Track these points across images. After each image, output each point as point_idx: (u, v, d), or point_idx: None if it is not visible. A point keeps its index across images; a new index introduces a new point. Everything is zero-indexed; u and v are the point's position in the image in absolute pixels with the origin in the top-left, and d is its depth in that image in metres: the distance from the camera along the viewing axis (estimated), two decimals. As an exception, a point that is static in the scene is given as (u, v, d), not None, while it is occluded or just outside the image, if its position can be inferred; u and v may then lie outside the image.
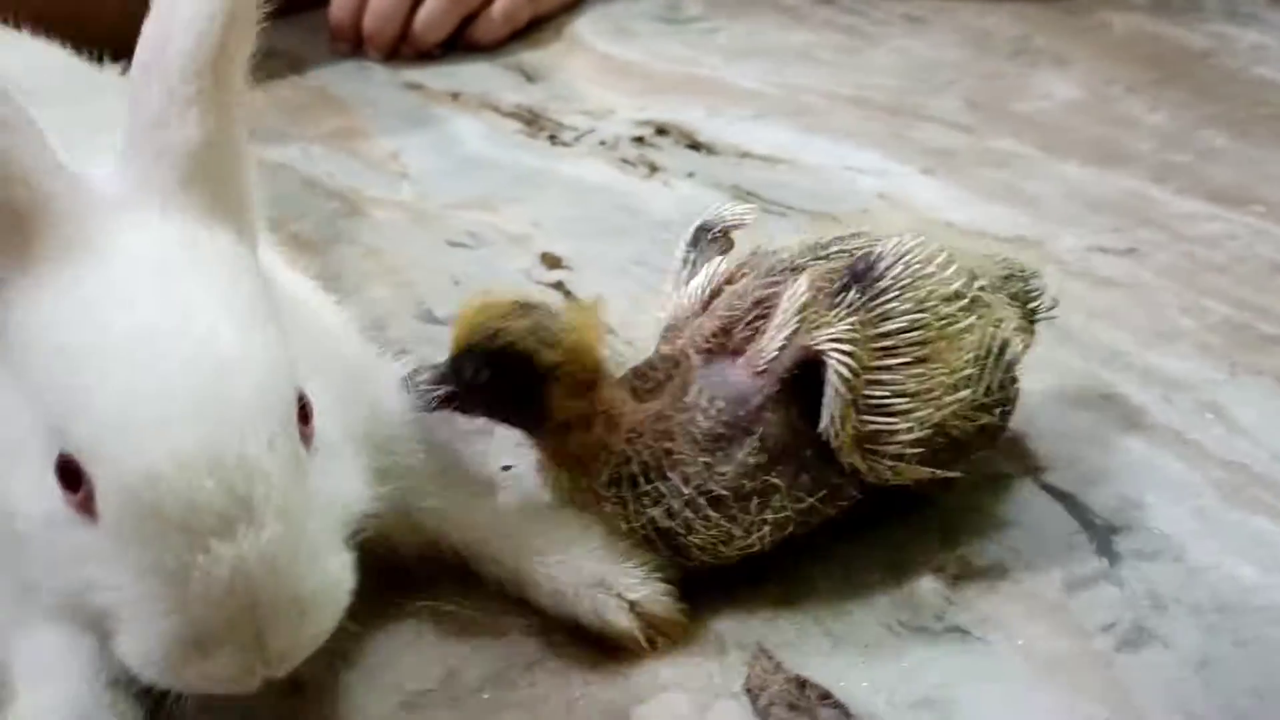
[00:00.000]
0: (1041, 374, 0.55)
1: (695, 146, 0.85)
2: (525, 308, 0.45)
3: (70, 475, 0.37)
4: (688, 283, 0.50)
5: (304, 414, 0.39)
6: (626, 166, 0.83)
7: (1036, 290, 0.51)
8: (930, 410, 0.45)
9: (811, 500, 0.45)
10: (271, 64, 0.98)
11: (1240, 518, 0.50)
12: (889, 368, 0.44)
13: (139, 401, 0.36)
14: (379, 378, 0.50)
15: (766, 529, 0.45)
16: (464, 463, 0.52)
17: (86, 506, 0.36)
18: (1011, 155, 0.82)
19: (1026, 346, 0.51)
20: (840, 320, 0.44)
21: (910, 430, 0.44)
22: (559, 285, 0.69)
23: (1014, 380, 0.49)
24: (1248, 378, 0.59)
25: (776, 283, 0.47)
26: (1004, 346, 0.48)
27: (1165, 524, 0.50)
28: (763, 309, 0.46)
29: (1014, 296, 0.50)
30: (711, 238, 0.51)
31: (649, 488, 0.45)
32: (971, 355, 0.46)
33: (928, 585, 0.47)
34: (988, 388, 0.47)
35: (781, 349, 0.45)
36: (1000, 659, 0.45)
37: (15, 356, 0.38)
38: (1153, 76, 0.93)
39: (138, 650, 0.37)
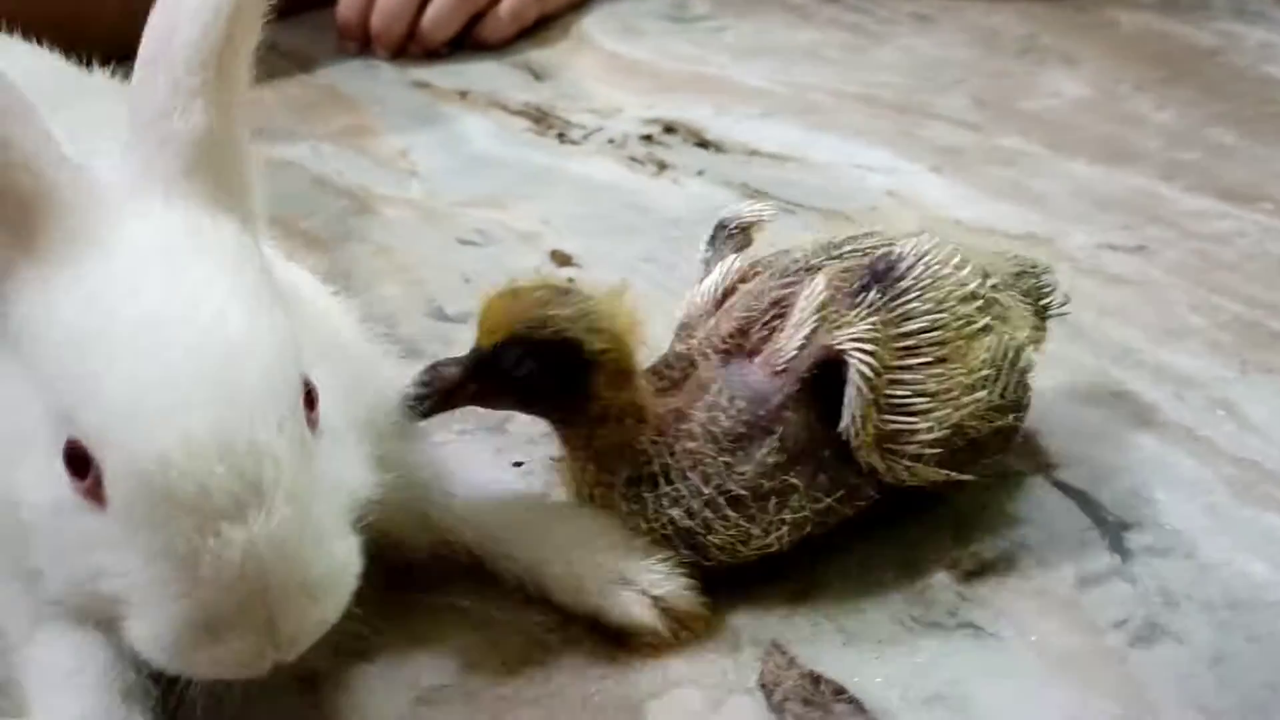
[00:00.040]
0: (1053, 371, 0.55)
1: (704, 144, 0.85)
2: (563, 293, 0.44)
3: (78, 462, 0.37)
4: (701, 280, 0.50)
5: (309, 399, 0.39)
6: (635, 164, 0.83)
7: (1049, 287, 0.52)
8: (949, 410, 0.45)
9: (829, 500, 0.45)
10: (279, 62, 1.00)
11: (1252, 514, 0.51)
12: (910, 367, 0.45)
13: (148, 386, 0.36)
14: (379, 367, 0.50)
15: (785, 529, 0.45)
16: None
17: (94, 493, 0.36)
18: (1019, 153, 0.82)
19: (1039, 343, 0.51)
20: (861, 320, 0.45)
21: (930, 430, 0.45)
22: (569, 283, 0.69)
23: (1027, 387, 0.49)
24: (1258, 375, 0.59)
25: (793, 283, 0.47)
26: (1019, 351, 0.48)
27: (1177, 521, 0.50)
28: (780, 309, 0.46)
29: (1026, 293, 0.50)
30: (728, 234, 0.51)
31: (669, 488, 0.45)
32: (988, 356, 0.46)
33: (941, 581, 0.48)
34: (1003, 390, 0.47)
35: (801, 348, 0.45)
36: (1013, 655, 0.45)
37: (22, 345, 0.39)
38: (1160, 74, 0.94)
39: (147, 635, 0.37)
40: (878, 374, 0.44)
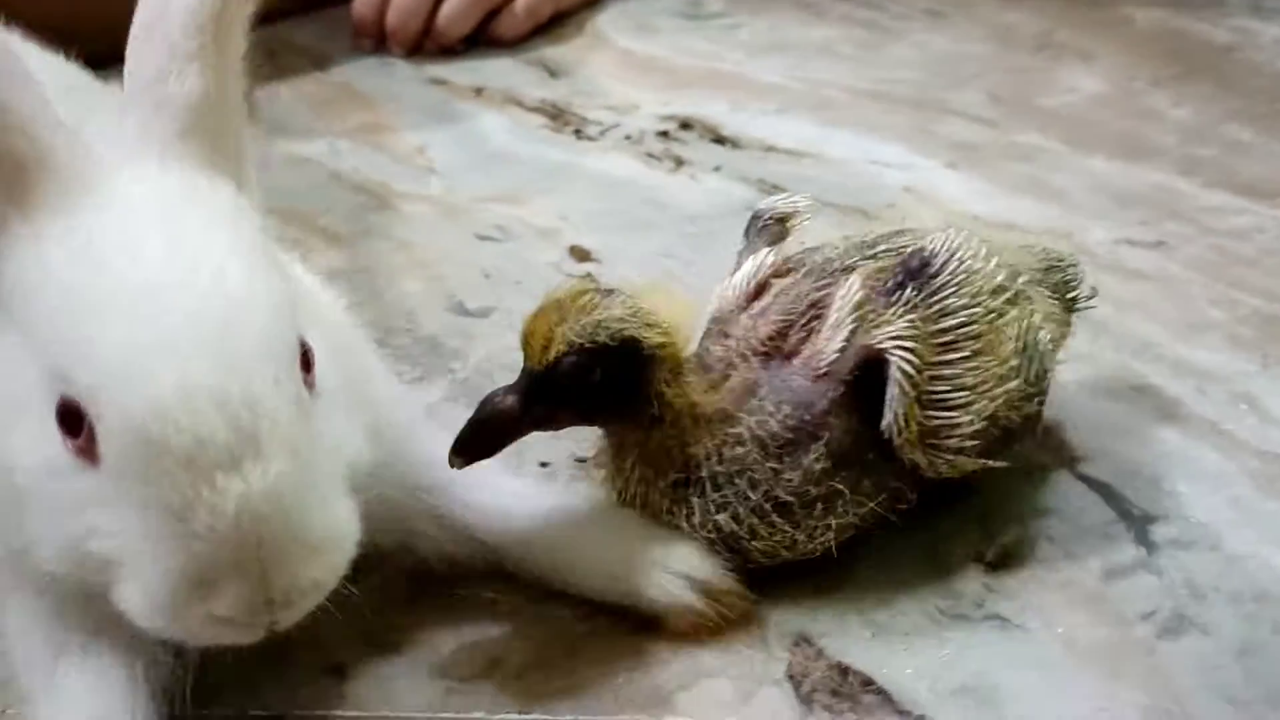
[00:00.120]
0: (1076, 365, 0.55)
1: (720, 141, 0.85)
2: (606, 294, 0.43)
3: (71, 419, 0.36)
4: (733, 273, 0.50)
5: (306, 361, 0.39)
6: (652, 160, 0.83)
7: (1075, 280, 0.52)
8: (986, 401, 0.45)
9: (872, 504, 0.46)
10: (295, 59, 1.00)
11: (1276, 507, 0.51)
12: (949, 362, 0.45)
13: (143, 339, 0.35)
14: (373, 365, 0.50)
15: (829, 534, 0.45)
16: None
17: (88, 451, 0.36)
18: (1037, 149, 0.82)
19: (1064, 336, 0.51)
20: (899, 318, 0.45)
21: (970, 423, 0.45)
22: (589, 278, 0.69)
23: (1047, 370, 0.49)
24: (1280, 369, 0.59)
25: (829, 284, 0.47)
26: (1037, 333, 0.48)
27: (1201, 514, 0.50)
28: (817, 310, 0.46)
29: (1054, 288, 0.51)
30: (763, 225, 0.50)
31: (716, 494, 0.45)
32: (1014, 346, 0.46)
33: (967, 574, 0.48)
34: (1028, 377, 0.47)
35: (841, 350, 0.45)
36: (1041, 646, 0.45)
37: (16, 305, 0.38)
38: (1176, 71, 0.94)
39: (139, 595, 0.36)
40: (918, 371, 0.44)
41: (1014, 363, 0.46)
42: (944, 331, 0.45)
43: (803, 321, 0.46)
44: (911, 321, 0.45)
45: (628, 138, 0.86)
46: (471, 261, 0.71)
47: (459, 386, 0.60)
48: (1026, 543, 0.49)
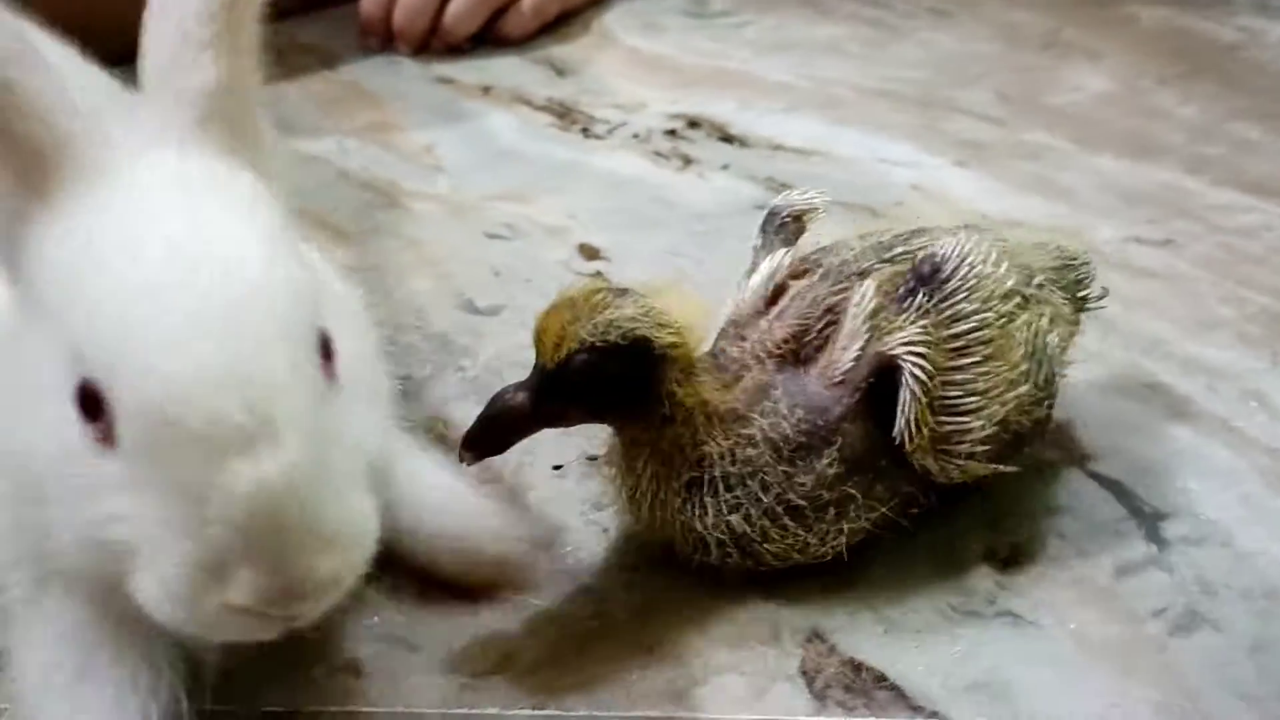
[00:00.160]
0: (1085, 363, 0.55)
1: (728, 139, 0.86)
2: (620, 293, 0.43)
3: (90, 403, 0.36)
4: (749, 274, 0.50)
5: (326, 350, 0.39)
6: (660, 159, 0.83)
7: (1087, 279, 0.52)
8: (997, 406, 0.45)
9: (884, 509, 0.46)
10: (302, 58, 1.00)
11: (1287, 505, 0.51)
12: (961, 368, 0.45)
13: (162, 318, 0.35)
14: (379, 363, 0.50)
15: (841, 538, 0.45)
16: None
17: (106, 436, 0.36)
18: (1045, 147, 0.83)
19: (1074, 335, 0.51)
20: (911, 323, 0.45)
21: (981, 428, 0.45)
22: (598, 276, 0.69)
23: (1056, 373, 0.49)
24: (1290, 367, 0.59)
25: (845, 288, 0.47)
26: (1045, 336, 0.48)
27: (1212, 511, 0.50)
28: (833, 315, 0.46)
29: (1065, 287, 0.51)
30: (780, 223, 0.50)
31: (728, 495, 0.45)
32: (1024, 350, 0.47)
33: (979, 571, 0.48)
34: (1037, 381, 0.47)
35: (856, 359, 0.45)
36: (1053, 643, 0.45)
37: (35, 290, 0.38)
38: (1182, 69, 0.94)
39: (155, 584, 0.36)
40: (931, 377, 0.44)
41: (1024, 367, 0.46)
42: (956, 337, 0.45)
43: (818, 327, 0.46)
44: (924, 327, 0.45)
45: (635, 136, 0.86)
46: (480, 259, 0.71)
47: (469, 384, 0.60)
48: (1037, 540, 0.49)
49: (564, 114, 0.90)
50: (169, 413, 0.34)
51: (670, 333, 0.43)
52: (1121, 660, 0.44)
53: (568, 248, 0.72)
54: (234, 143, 0.41)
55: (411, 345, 0.63)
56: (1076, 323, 0.52)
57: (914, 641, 0.45)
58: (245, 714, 0.43)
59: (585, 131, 0.88)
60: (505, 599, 0.47)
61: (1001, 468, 0.46)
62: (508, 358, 0.62)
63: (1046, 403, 0.49)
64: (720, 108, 0.90)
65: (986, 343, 0.45)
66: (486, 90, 0.95)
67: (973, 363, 0.45)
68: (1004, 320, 0.46)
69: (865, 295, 0.46)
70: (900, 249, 0.48)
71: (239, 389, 0.35)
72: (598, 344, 0.42)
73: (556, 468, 0.54)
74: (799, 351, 0.47)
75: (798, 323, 0.47)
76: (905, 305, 0.45)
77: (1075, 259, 0.52)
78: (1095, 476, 0.52)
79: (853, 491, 0.45)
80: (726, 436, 0.45)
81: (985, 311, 0.45)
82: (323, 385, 0.38)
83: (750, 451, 0.45)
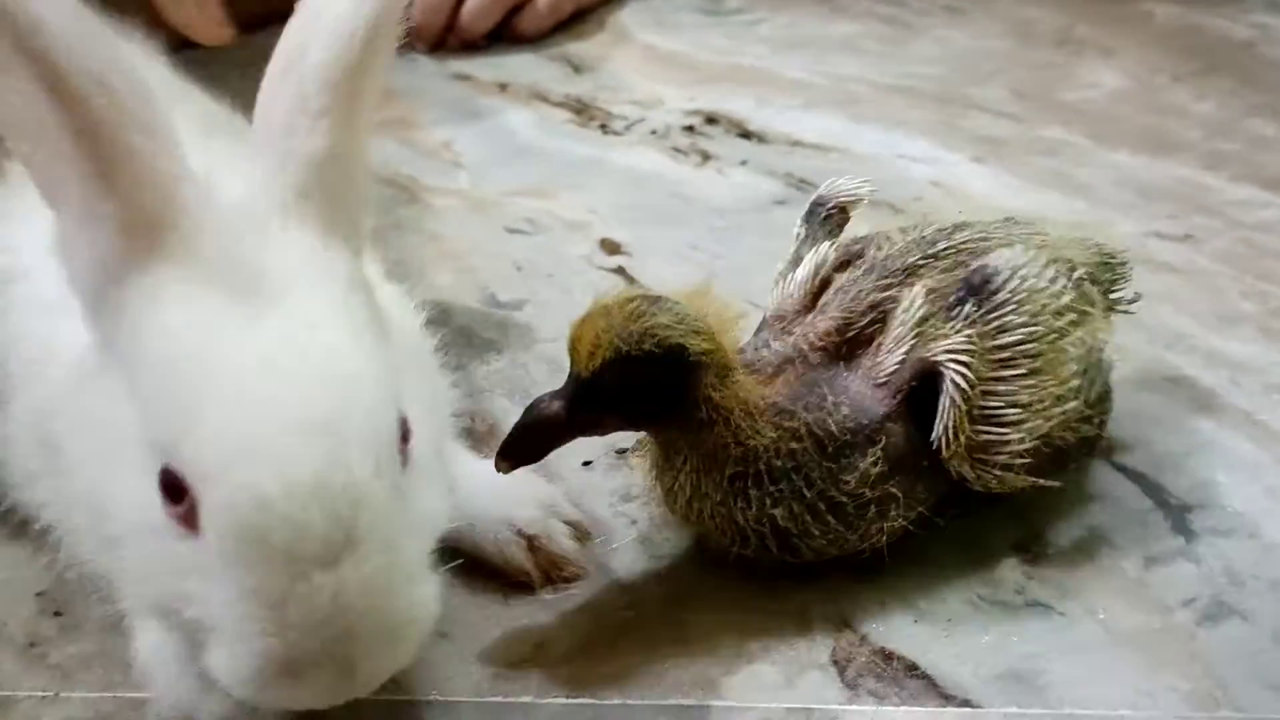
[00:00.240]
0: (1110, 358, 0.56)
1: (746, 135, 0.86)
2: (653, 301, 0.43)
3: (173, 488, 0.36)
4: (794, 269, 0.49)
5: (404, 433, 0.39)
6: (679, 155, 0.83)
7: (1122, 280, 0.52)
8: (1040, 421, 0.45)
9: (922, 508, 0.46)
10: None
11: (1312, 497, 0.51)
12: (1004, 379, 0.45)
13: (250, 424, 0.35)
14: (444, 387, 0.51)
15: (882, 536, 0.46)
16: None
17: (189, 520, 0.36)
18: (1062, 143, 0.83)
19: (1108, 335, 0.51)
20: (957, 332, 0.45)
21: (1021, 441, 0.45)
22: (620, 270, 0.70)
23: (1109, 391, 0.50)
24: (1311, 361, 0.59)
25: (890, 284, 0.47)
26: (1100, 357, 0.49)
27: (1239, 503, 0.51)
28: (877, 312, 0.47)
29: (1100, 285, 0.50)
30: (826, 214, 0.51)
31: (773, 487, 0.45)
32: (1077, 367, 0.47)
33: (1007, 562, 0.48)
34: (1088, 398, 0.47)
35: (900, 362, 0.45)
36: (1083, 632, 0.45)
37: (126, 360, 0.38)
38: (1196, 66, 0.94)
39: (228, 666, 0.37)
40: (972, 385, 0.44)
41: (1074, 384, 0.46)
42: (1001, 348, 0.45)
43: (862, 323, 0.47)
44: (969, 337, 0.45)
45: (653, 132, 0.87)
46: (502, 254, 0.72)
47: (494, 377, 0.61)
48: (1065, 531, 0.50)
49: (582, 110, 0.91)
50: (253, 522, 0.35)
51: (704, 339, 0.43)
52: (1150, 650, 0.44)
53: (589, 242, 0.73)
54: (335, 215, 0.40)
55: (436, 339, 0.63)
56: (1109, 321, 0.52)
57: (944, 631, 0.45)
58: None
59: (604, 128, 0.88)
60: (550, 588, 0.47)
61: (1042, 482, 0.46)
62: (533, 351, 0.62)
63: (1097, 420, 0.49)
64: (737, 104, 0.90)
65: (1033, 356, 0.45)
66: (504, 87, 0.95)
67: (1017, 375, 0.45)
68: (1055, 336, 0.46)
69: (914, 302, 0.46)
70: (944, 244, 0.48)
71: (324, 503, 0.35)
72: (632, 352, 0.42)
73: (586, 464, 0.54)
74: (841, 345, 0.47)
75: (842, 316, 0.47)
76: (954, 314, 0.45)
77: (1114, 258, 0.52)
78: (1121, 469, 0.53)
79: (895, 491, 0.45)
80: (775, 429, 0.45)
81: (1034, 325, 0.45)
82: (400, 477, 0.38)
83: (795, 445, 0.45)
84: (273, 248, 0.38)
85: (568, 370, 0.44)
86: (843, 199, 0.51)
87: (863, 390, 0.46)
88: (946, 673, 0.44)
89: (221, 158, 0.44)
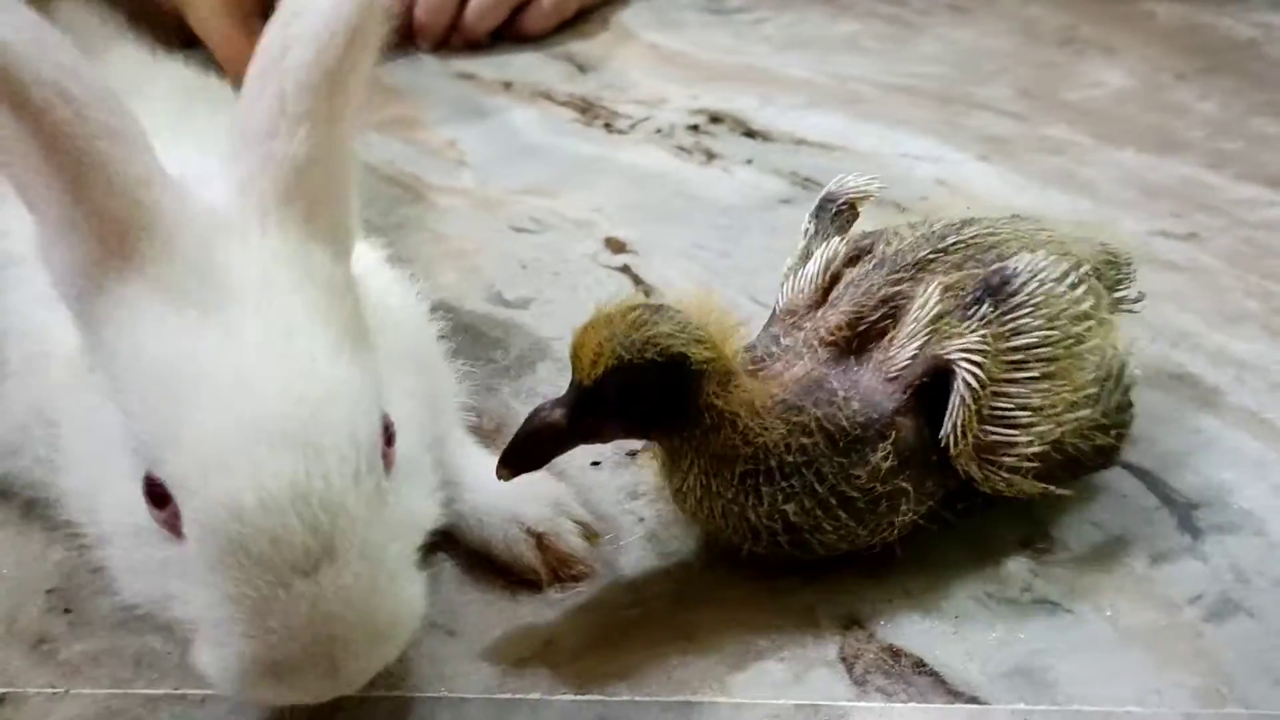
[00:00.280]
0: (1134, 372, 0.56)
1: (750, 134, 0.86)
2: (655, 309, 0.43)
3: (157, 495, 0.37)
4: (803, 264, 0.50)
5: (388, 436, 0.39)
6: (683, 154, 0.83)
7: (1127, 279, 0.52)
8: (1051, 426, 0.45)
9: (932, 503, 0.46)
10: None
11: (1317, 494, 0.51)
12: (1016, 381, 0.45)
13: (229, 435, 0.36)
14: (449, 380, 0.51)
15: (892, 531, 0.46)
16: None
17: (173, 525, 0.37)
18: (1066, 142, 0.83)
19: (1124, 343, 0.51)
20: (972, 332, 0.45)
21: (1030, 444, 0.45)
22: (625, 269, 0.70)
23: (1130, 404, 0.49)
24: (1316, 360, 0.59)
25: (901, 279, 0.47)
26: (1123, 367, 0.49)
27: (1245, 500, 0.51)
28: (889, 307, 0.47)
29: (1105, 282, 0.51)
30: (836, 210, 0.51)
31: (784, 484, 0.45)
32: (1094, 375, 0.47)
33: (1014, 559, 0.48)
34: (1105, 409, 0.47)
35: (913, 358, 0.45)
36: (1089, 629, 0.45)
37: (109, 368, 0.38)
38: (1200, 65, 0.94)
39: (213, 664, 0.37)
40: (983, 385, 0.44)
41: (1091, 391, 0.46)
42: (1015, 350, 0.45)
43: (873, 318, 0.47)
44: (983, 337, 0.45)
45: (658, 131, 0.87)
46: (508, 252, 0.72)
47: (500, 375, 0.61)
48: (1072, 528, 0.50)
49: (586, 109, 0.91)
50: (232, 532, 0.35)
51: (706, 348, 0.43)
52: (1157, 646, 0.44)
53: (594, 241, 0.73)
54: (316, 219, 0.40)
55: (442, 337, 0.63)
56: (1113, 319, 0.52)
57: (952, 628, 0.45)
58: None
59: (608, 127, 0.88)
60: (558, 586, 0.47)
61: (1052, 489, 0.46)
62: (539, 349, 0.62)
63: (1114, 431, 0.49)
64: (741, 103, 0.90)
65: (1048, 360, 0.45)
66: (508, 86, 0.95)
67: (1029, 378, 0.45)
68: (1072, 341, 0.46)
69: (930, 300, 0.46)
70: (953, 239, 0.48)
71: (303, 512, 0.35)
72: (634, 361, 0.42)
73: (595, 464, 0.54)
74: (852, 340, 0.47)
75: (852, 310, 0.47)
76: (970, 313, 0.45)
77: (1119, 257, 0.52)
78: (1127, 466, 0.53)
79: (905, 485, 0.45)
80: (784, 424, 0.45)
81: (1050, 329, 0.45)
82: (383, 485, 0.38)
83: (806, 440, 0.45)
84: (252, 253, 0.38)
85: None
86: (852, 195, 0.52)
87: (873, 385, 0.46)
88: (954, 670, 0.44)
89: (202, 124, 0.43)
